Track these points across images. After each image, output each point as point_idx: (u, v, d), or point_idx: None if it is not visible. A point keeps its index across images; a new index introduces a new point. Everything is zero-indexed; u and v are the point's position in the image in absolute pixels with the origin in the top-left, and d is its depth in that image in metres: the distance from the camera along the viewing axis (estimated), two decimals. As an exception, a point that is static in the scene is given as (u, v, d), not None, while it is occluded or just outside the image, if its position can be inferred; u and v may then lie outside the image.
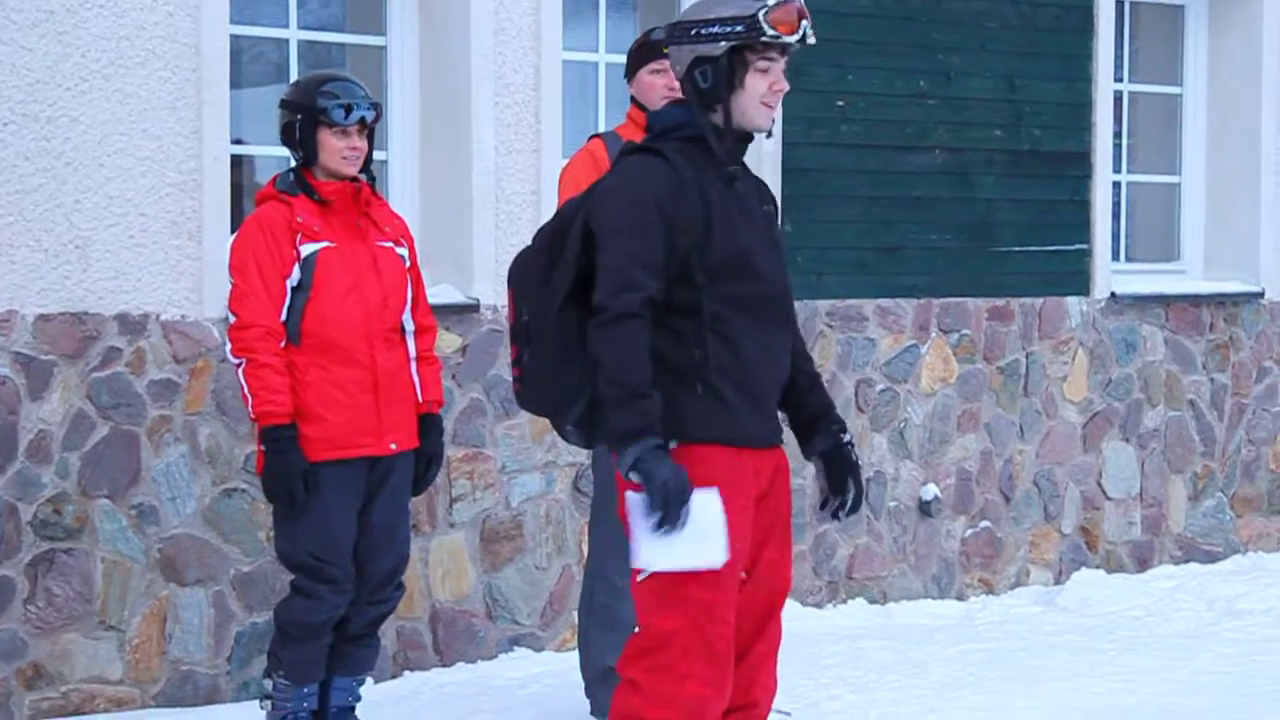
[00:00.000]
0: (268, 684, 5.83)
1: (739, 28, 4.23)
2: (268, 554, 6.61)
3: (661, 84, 6.12)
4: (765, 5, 4.24)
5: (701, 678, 4.14)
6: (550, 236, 4.32)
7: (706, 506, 4.08)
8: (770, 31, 4.21)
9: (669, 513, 4.04)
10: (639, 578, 4.17)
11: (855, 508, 4.46)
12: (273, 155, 7.18)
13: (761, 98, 4.26)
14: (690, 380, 4.17)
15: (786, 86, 4.30)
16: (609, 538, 5.81)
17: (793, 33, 4.22)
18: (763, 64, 4.24)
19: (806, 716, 6.30)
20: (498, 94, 7.37)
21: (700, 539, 4.07)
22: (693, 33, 4.26)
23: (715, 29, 4.24)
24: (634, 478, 4.05)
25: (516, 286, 4.34)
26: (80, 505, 6.53)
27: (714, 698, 4.17)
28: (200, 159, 6.70)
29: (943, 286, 8.78)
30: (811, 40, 4.28)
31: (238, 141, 7.26)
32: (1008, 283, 8.97)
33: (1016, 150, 8.98)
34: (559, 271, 4.23)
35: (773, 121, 4.35)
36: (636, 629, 4.24)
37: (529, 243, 4.45)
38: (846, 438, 4.45)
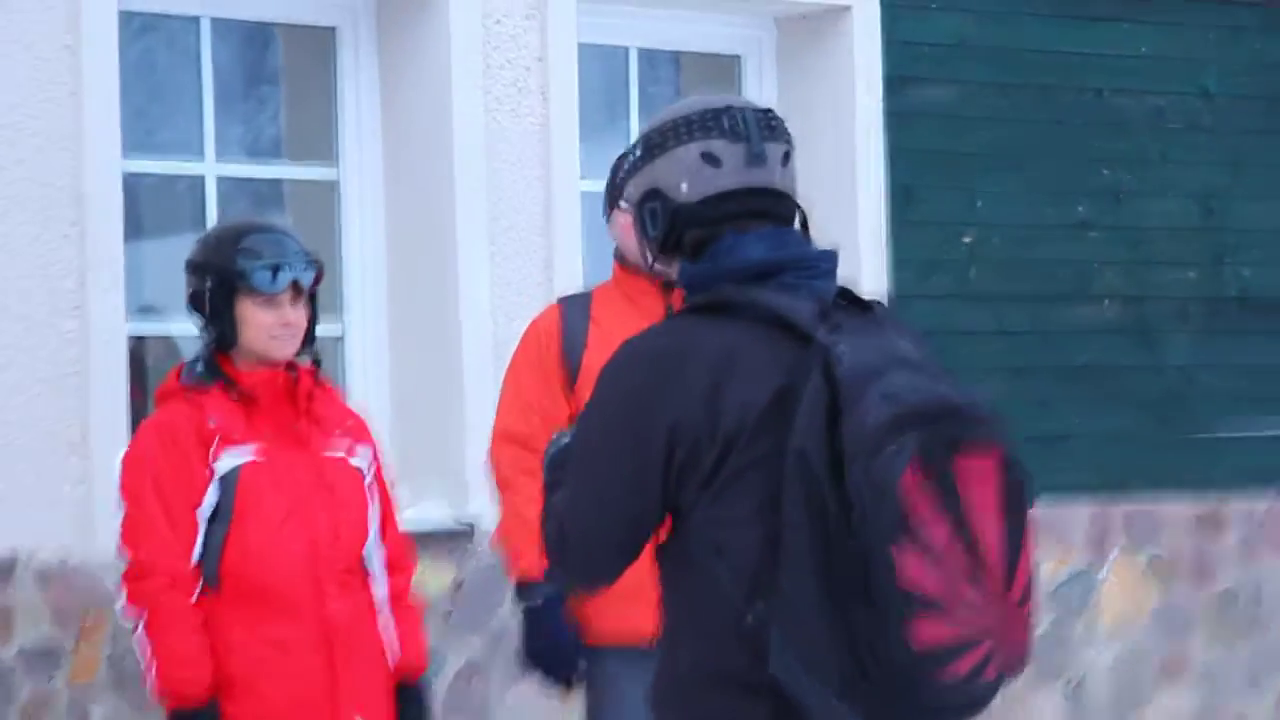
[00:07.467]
0: None
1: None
2: None
3: None
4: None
5: None
6: None
7: None
8: None
9: None
10: None
11: None
12: (191, 335, 6.90)
13: None
14: None
15: None
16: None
17: None
18: None
19: None
20: (494, 240, 6.94)
21: None
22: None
23: None
24: None
25: None
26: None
27: None
28: (87, 344, 6.32)
29: (1125, 486, 8.07)
30: None
31: (145, 312, 6.86)
32: (1217, 478, 8.25)
33: (1218, 298, 8.31)
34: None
35: None
36: None
37: None
38: None
